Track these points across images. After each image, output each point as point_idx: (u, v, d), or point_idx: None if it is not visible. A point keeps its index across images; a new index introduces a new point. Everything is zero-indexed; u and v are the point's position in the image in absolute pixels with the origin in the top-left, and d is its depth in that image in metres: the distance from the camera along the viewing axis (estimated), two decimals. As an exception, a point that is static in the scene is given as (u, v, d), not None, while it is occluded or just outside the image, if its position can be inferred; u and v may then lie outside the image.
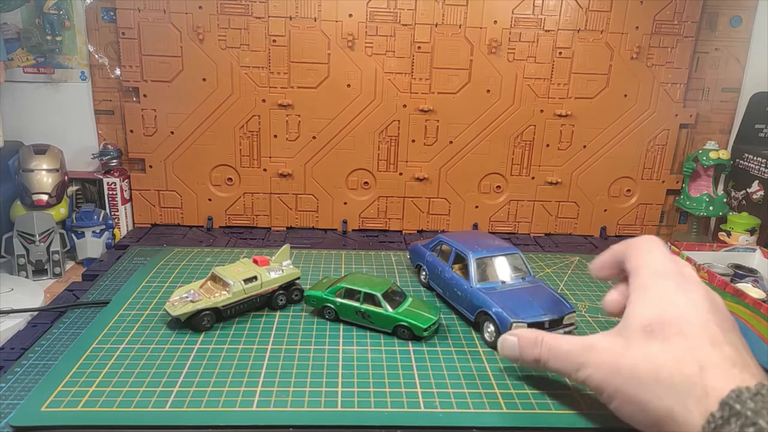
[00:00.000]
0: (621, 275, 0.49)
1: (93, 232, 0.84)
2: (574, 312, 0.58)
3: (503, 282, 0.61)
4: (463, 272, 0.63)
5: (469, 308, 0.60)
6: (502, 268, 0.63)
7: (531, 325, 0.55)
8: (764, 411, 0.32)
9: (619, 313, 0.47)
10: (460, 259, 0.64)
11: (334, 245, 0.88)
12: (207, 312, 0.57)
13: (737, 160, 0.93)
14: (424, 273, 0.71)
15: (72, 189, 0.89)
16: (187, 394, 0.47)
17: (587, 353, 0.43)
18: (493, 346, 0.56)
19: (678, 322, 0.40)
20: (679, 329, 0.39)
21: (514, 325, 0.54)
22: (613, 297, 0.49)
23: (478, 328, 0.59)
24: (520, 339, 0.48)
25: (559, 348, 0.45)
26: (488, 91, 0.90)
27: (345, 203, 0.95)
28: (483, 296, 0.58)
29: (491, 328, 0.57)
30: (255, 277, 0.60)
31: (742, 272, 0.73)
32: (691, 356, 0.38)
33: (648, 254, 0.46)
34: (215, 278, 0.60)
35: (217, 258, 0.78)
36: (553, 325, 0.56)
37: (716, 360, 0.37)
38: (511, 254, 0.64)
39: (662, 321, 0.40)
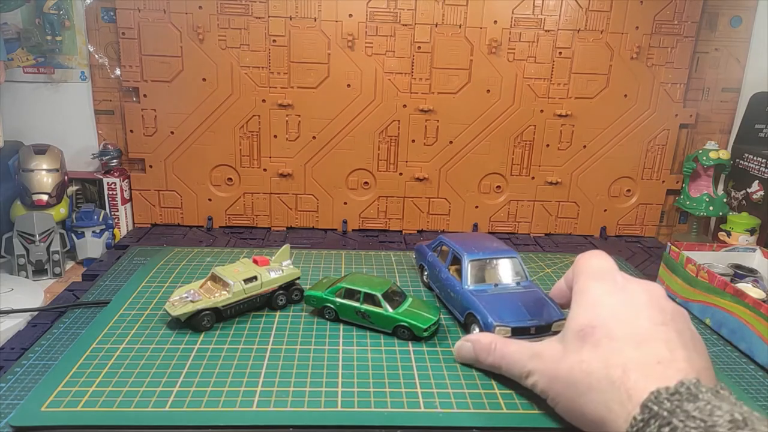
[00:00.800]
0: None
1: (93, 232, 0.84)
2: (564, 319, 0.56)
3: (496, 285, 0.60)
4: (458, 273, 0.63)
5: (460, 309, 0.60)
6: (497, 271, 0.62)
7: (515, 330, 0.54)
8: (678, 410, 0.33)
9: (563, 303, 0.54)
10: (457, 260, 0.64)
11: (334, 245, 0.88)
12: (207, 312, 0.57)
13: (737, 160, 0.93)
14: (425, 273, 0.71)
15: (72, 189, 0.89)
16: (187, 394, 0.47)
17: (533, 361, 0.45)
18: None
19: (607, 324, 0.41)
20: (608, 331, 0.41)
21: (497, 328, 0.54)
22: (560, 285, 0.54)
23: (468, 329, 0.59)
24: (474, 344, 0.51)
25: (510, 356, 0.48)
26: (488, 91, 0.90)
27: (345, 203, 0.95)
28: (472, 298, 0.58)
29: (476, 330, 0.56)
30: (255, 277, 0.60)
31: (742, 272, 0.73)
32: (616, 359, 0.39)
33: (587, 260, 0.48)
34: (215, 278, 0.60)
35: (217, 258, 0.78)
36: (540, 332, 0.55)
37: (640, 360, 0.38)
38: (509, 257, 0.63)
39: (592, 325, 0.42)
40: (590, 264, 0.48)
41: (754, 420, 0.31)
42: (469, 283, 0.60)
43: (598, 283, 0.45)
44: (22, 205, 0.80)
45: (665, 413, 0.33)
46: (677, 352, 0.39)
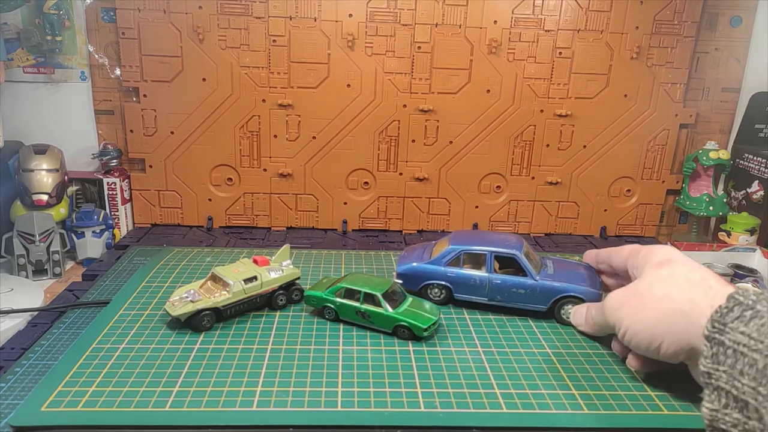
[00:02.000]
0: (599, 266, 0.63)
1: (93, 232, 0.84)
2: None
3: (544, 267, 0.64)
4: (509, 272, 0.64)
5: (541, 300, 0.62)
6: (531, 257, 0.64)
7: None
8: (764, 300, 0.36)
9: (591, 260, 0.64)
10: (503, 262, 0.64)
11: (334, 245, 0.88)
12: (207, 312, 0.57)
13: (737, 160, 0.93)
14: (437, 290, 0.65)
15: (72, 189, 0.89)
16: (187, 394, 0.47)
17: (607, 298, 0.52)
18: (568, 323, 0.61)
19: (680, 259, 0.48)
20: (684, 262, 0.48)
21: (602, 294, 0.59)
22: (590, 253, 0.64)
23: (551, 315, 0.62)
24: (588, 308, 0.57)
25: (598, 305, 0.55)
26: (488, 91, 0.90)
27: (345, 203, 0.95)
28: (554, 284, 0.61)
29: (570, 307, 0.61)
30: (255, 277, 0.60)
31: (742, 272, 0.73)
32: (696, 272, 0.45)
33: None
34: (215, 278, 0.60)
35: (217, 258, 0.78)
36: None
37: (717, 278, 0.44)
38: (524, 242, 0.65)
39: (669, 258, 0.49)
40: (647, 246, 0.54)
41: None
42: (536, 273, 0.62)
43: (664, 246, 0.52)
44: (22, 205, 0.80)
45: (750, 302, 0.36)
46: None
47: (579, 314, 0.59)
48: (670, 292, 0.45)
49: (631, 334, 0.47)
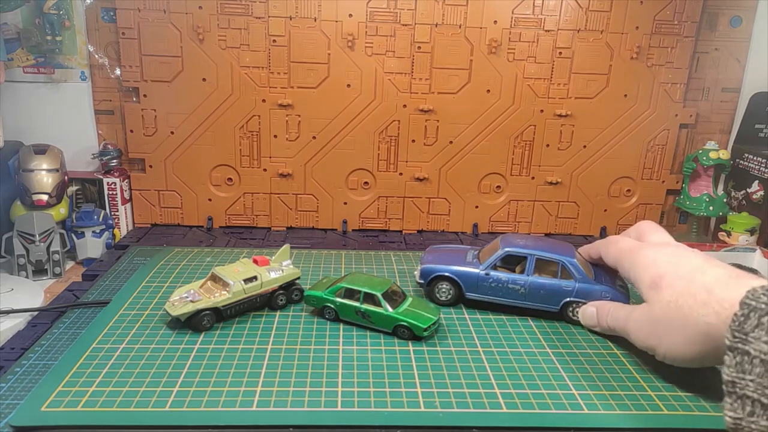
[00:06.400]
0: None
1: (93, 232, 0.84)
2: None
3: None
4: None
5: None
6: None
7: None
8: None
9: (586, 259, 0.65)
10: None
11: (334, 245, 0.88)
12: (207, 312, 0.57)
13: (737, 160, 0.93)
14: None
15: (72, 189, 0.89)
16: (187, 394, 0.47)
17: (628, 323, 0.53)
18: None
19: (670, 270, 0.49)
20: (675, 273, 0.48)
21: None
22: (583, 253, 0.66)
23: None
24: (599, 309, 0.59)
25: (617, 317, 0.56)
26: (488, 91, 0.90)
27: (345, 203, 0.95)
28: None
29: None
30: (255, 277, 0.60)
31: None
32: (695, 287, 0.45)
33: (621, 243, 0.59)
34: (215, 278, 0.60)
35: (217, 258, 0.78)
36: None
37: (715, 281, 0.45)
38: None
39: (659, 275, 0.49)
40: (627, 245, 0.58)
41: None
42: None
43: (643, 250, 0.54)
44: (22, 205, 0.81)
45: (763, 305, 0.36)
46: (739, 272, 0.45)
47: (590, 316, 0.60)
48: (685, 317, 0.45)
49: (670, 359, 0.49)
